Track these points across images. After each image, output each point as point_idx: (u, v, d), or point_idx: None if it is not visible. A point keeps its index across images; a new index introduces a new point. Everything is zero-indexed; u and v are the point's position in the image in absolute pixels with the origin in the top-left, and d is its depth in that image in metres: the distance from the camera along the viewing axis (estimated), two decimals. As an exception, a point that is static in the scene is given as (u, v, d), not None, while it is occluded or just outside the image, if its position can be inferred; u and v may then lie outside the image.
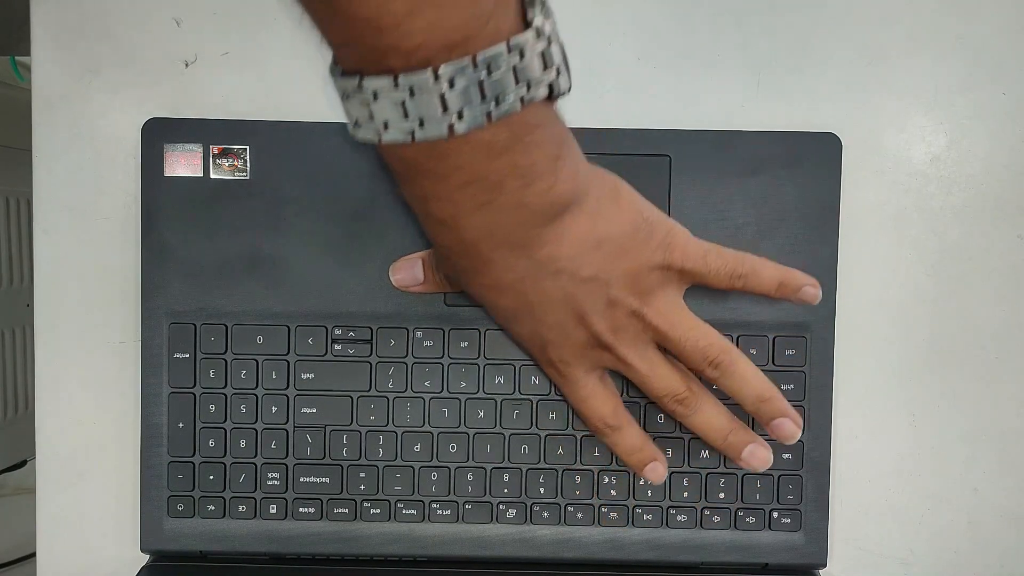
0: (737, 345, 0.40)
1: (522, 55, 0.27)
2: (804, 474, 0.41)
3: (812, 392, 0.41)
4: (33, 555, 0.43)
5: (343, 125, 0.40)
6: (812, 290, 0.36)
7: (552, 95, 0.29)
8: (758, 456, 0.37)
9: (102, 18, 0.41)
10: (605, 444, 0.39)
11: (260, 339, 0.40)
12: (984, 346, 0.43)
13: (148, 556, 0.41)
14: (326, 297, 0.40)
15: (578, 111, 0.42)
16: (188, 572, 0.40)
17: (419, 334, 0.40)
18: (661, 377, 0.36)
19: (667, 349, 0.37)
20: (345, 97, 0.29)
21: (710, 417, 0.37)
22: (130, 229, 0.42)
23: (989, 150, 0.42)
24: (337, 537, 0.41)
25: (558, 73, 0.29)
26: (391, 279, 0.40)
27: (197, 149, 0.40)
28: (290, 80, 0.42)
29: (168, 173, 0.40)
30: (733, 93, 0.42)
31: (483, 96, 0.27)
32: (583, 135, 0.40)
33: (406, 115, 0.28)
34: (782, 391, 0.40)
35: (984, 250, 0.42)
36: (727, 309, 0.40)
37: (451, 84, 0.27)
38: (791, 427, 0.36)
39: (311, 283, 0.40)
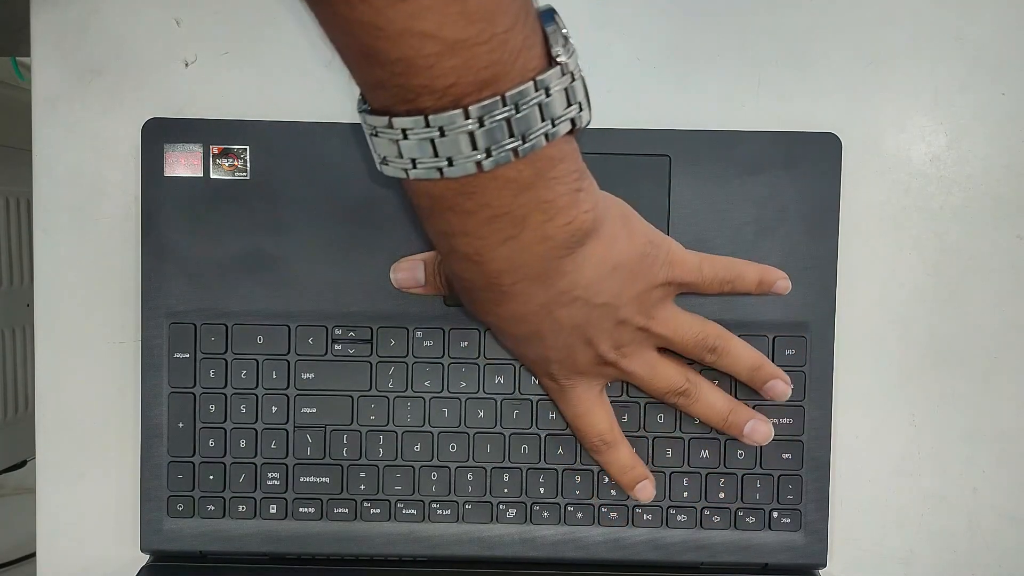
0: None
1: (548, 92, 0.28)
2: (804, 474, 0.41)
3: (812, 392, 0.41)
4: (33, 555, 0.43)
5: (343, 125, 0.40)
6: (783, 282, 0.39)
7: (573, 129, 0.30)
8: (759, 431, 0.39)
9: (102, 18, 0.41)
10: (598, 461, 0.40)
11: (260, 339, 0.40)
12: (984, 346, 0.43)
13: (148, 556, 0.41)
14: (326, 297, 0.40)
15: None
16: (188, 572, 0.40)
17: (419, 334, 0.40)
18: (662, 377, 0.38)
19: (668, 348, 0.38)
20: (373, 134, 0.29)
21: (711, 402, 0.39)
22: (130, 229, 0.42)
23: (989, 150, 0.42)
24: (337, 537, 0.41)
25: (580, 108, 0.29)
26: (392, 278, 0.40)
27: (197, 149, 0.40)
28: (290, 80, 0.42)
29: (168, 173, 0.40)
30: (733, 93, 0.42)
31: (511, 133, 0.28)
32: (583, 135, 0.40)
33: (436, 153, 0.28)
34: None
35: (984, 250, 0.42)
36: (728, 309, 0.40)
37: (480, 123, 0.27)
38: (782, 386, 0.39)
39: (311, 283, 0.40)
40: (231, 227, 0.40)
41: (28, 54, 0.41)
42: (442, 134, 0.27)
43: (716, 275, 0.38)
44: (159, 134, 0.40)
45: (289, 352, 0.40)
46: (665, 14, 0.42)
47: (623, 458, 0.39)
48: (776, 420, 0.40)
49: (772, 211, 0.40)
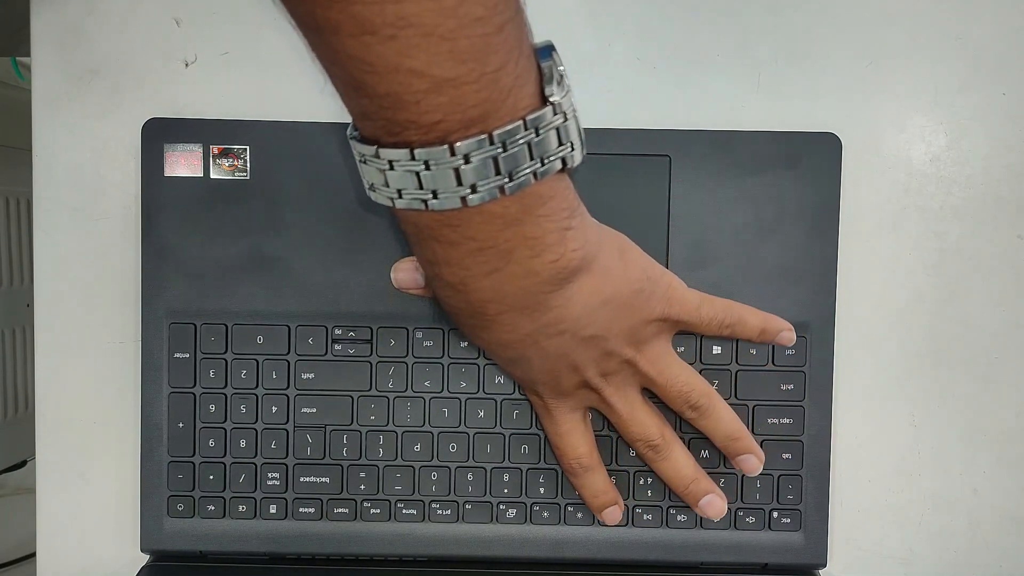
0: (737, 345, 0.40)
1: (538, 132, 0.28)
2: (804, 474, 0.41)
3: (812, 392, 0.41)
4: (33, 555, 0.43)
5: (343, 125, 0.40)
6: (788, 334, 0.39)
7: (564, 168, 0.29)
8: (715, 506, 0.39)
9: (102, 18, 0.41)
10: (572, 484, 0.40)
11: (260, 339, 0.40)
12: (984, 346, 0.43)
13: (148, 556, 0.42)
14: (326, 297, 0.40)
15: (578, 111, 0.42)
16: (188, 572, 0.40)
17: (419, 334, 0.40)
18: (639, 423, 0.38)
19: (651, 390, 0.38)
20: (362, 161, 0.29)
21: (678, 466, 0.39)
22: (130, 229, 0.42)
23: (989, 150, 0.42)
24: (337, 537, 0.41)
25: (572, 148, 0.29)
26: (392, 278, 0.40)
27: (197, 149, 0.40)
28: (290, 80, 0.42)
29: (168, 173, 0.40)
30: (733, 93, 0.42)
31: (497, 171, 0.28)
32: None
33: (421, 186, 0.28)
34: (782, 391, 0.40)
35: (984, 250, 0.42)
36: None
37: (467, 160, 0.27)
38: (755, 462, 0.39)
39: (311, 283, 0.40)
40: (231, 227, 0.40)
41: (28, 54, 0.41)
42: (427, 168, 0.27)
43: (715, 317, 0.38)
44: (159, 134, 0.40)
45: (289, 352, 0.40)
46: (665, 14, 0.42)
47: (597, 483, 0.39)
48: (776, 420, 0.40)
49: (772, 211, 0.40)
